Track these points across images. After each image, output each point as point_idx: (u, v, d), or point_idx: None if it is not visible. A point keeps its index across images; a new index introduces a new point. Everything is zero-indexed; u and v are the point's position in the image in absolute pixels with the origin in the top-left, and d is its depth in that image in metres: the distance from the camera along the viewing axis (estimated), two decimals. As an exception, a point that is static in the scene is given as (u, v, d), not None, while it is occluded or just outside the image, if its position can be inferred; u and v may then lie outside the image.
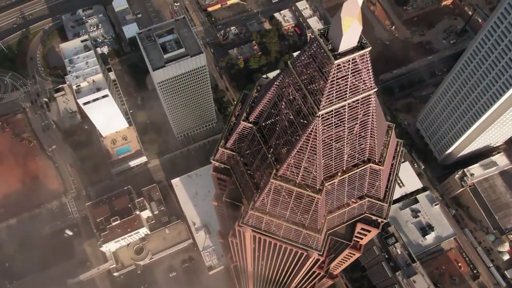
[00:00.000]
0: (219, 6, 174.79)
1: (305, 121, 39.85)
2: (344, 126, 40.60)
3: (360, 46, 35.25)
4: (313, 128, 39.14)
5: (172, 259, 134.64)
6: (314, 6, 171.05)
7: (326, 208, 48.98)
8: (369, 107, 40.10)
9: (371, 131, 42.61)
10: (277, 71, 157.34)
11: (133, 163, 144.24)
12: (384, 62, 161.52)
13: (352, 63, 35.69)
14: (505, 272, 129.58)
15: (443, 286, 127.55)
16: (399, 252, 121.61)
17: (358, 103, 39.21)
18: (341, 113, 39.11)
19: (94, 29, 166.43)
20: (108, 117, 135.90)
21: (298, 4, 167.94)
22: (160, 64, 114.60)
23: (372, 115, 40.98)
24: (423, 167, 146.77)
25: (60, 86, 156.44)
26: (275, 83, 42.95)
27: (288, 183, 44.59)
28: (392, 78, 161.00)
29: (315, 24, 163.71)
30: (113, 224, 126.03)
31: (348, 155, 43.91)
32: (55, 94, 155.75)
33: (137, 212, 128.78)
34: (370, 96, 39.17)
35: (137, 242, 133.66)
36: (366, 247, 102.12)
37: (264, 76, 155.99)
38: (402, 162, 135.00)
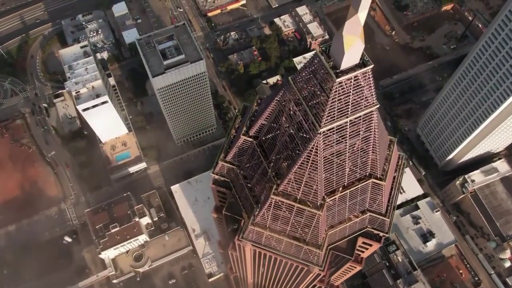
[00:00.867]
0: (219, 11, 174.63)
1: (306, 137, 39.33)
2: (346, 142, 40.12)
3: (362, 63, 34.78)
4: (314, 144, 38.64)
5: (172, 266, 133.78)
6: (314, 11, 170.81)
7: (327, 223, 48.39)
8: (371, 123, 39.60)
9: (372, 147, 42.08)
10: (277, 77, 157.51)
11: (132, 169, 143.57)
12: (384, 68, 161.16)
13: (354, 80, 35.23)
14: (507, 279, 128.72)
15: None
16: (400, 260, 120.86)
17: (360, 119, 38.72)
18: (343, 129, 38.62)
19: (94, 34, 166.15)
20: (107, 123, 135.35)
21: (298, 9, 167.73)
22: (159, 70, 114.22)
23: (374, 131, 40.47)
24: (423, 173, 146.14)
25: (60, 91, 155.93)
26: (276, 98, 42.45)
27: (289, 199, 44.03)
28: (392, 84, 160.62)
29: (315, 29, 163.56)
30: (112, 231, 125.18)
31: (350, 171, 43.38)
32: (54, 100, 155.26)
33: (137, 219, 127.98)
34: (372, 113, 38.69)
35: (136, 249, 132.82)
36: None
37: (264, 81, 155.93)
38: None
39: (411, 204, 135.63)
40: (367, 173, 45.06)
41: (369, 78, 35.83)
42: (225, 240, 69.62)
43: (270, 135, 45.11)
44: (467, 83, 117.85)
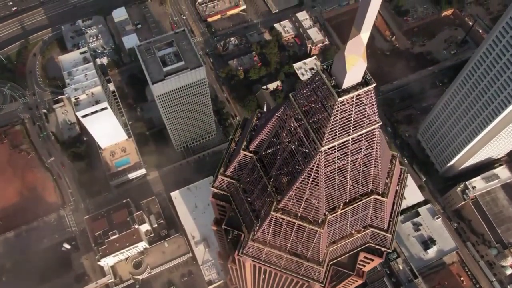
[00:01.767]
0: (219, 16, 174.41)
1: (307, 155, 38.81)
2: (347, 160, 39.59)
3: (364, 82, 34.28)
4: (315, 162, 38.10)
5: (171, 273, 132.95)
6: (314, 16, 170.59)
7: (329, 239, 47.79)
8: (373, 140, 39.08)
9: (374, 163, 41.55)
10: (277, 82, 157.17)
11: (132, 175, 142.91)
12: (385, 73, 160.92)
13: (356, 99, 34.73)
14: (508, 286, 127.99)
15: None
16: (401, 268, 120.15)
17: (362, 137, 38.20)
18: (345, 147, 38.10)
19: (94, 39, 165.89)
20: (107, 130, 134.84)
21: (298, 14, 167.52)
22: (159, 77, 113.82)
23: (376, 148, 39.96)
24: (424, 179, 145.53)
25: (59, 97, 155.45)
26: (276, 114, 41.94)
27: (289, 216, 43.45)
28: (392, 89, 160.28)
29: (316, 34, 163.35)
30: (112, 238, 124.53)
31: (351, 187, 42.83)
32: (54, 105, 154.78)
33: (136, 226, 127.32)
34: (375, 130, 38.17)
35: (135, 256, 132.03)
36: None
37: (264, 87, 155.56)
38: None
39: (412, 211, 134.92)
40: (369, 189, 44.49)
41: (371, 96, 35.33)
42: (225, 251, 68.94)
43: (271, 150, 44.58)
44: (468, 90, 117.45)
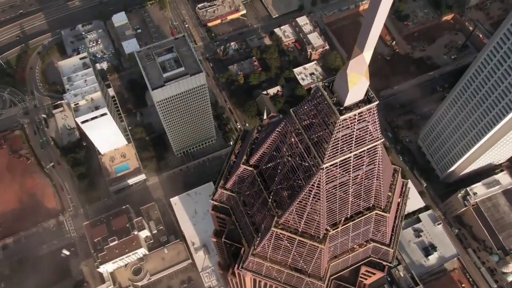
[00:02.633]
0: (219, 21, 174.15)
1: (309, 171, 38.32)
2: (349, 176, 39.09)
3: (367, 100, 33.81)
4: (316, 179, 37.60)
5: (171, 279, 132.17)
6: (314, 21, 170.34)
7: (330, 254, 47.23)
8: (375, 156, 38.61)
9: (377, 179, 41.07)
10: (277, 87, 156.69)
11: (131, 181, 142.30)
12: (385, 78, 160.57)
13: (358, 116, 34.25)
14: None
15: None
16: (402, 275, 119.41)
17: (364, 153, 37.72)
18: (346, 163, 37.61)
19: (94, 44, 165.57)
20: (106, 135, 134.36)
21: (298, 19, 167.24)
22: (159, 83, 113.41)
23: (378, 163, 39.47)
24: (425, 185, 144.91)
25: (59, 102, 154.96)
26: (277, 129, 41.45)
27: (290, 232, 42.92)
28: (393, 94, 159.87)
29: (316, 39, 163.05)
30: (111, 244, 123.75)
31: (353, 203, 42.30)
32: (53, 110, 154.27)
33: (135, 232, 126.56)
34: (377, 146, 37.69)
35: (135, 262, 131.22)
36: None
37: (264, 92, 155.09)
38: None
39: (413, 217, 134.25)
40: (371, 205, 43.98)
41: (374, 113, 34.86)
42: (225, 262, 68.33)
43: (271, 164, 44.10)
44: (469, 96, 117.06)
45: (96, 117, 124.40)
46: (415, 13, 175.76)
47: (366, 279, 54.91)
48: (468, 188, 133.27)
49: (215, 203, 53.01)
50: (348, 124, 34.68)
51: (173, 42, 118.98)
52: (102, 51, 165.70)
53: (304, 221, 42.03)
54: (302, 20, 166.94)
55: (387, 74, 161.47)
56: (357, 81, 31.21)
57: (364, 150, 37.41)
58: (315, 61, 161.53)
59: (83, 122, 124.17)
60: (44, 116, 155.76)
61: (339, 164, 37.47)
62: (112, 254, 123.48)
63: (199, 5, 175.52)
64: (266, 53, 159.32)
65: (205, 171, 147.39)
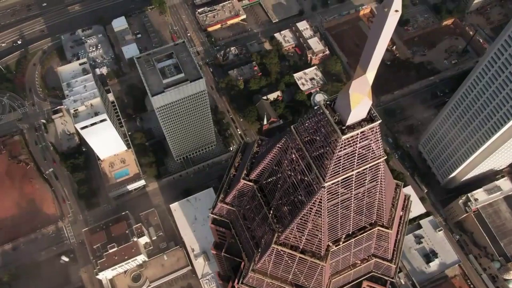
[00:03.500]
0: (219, 26, 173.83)
1: (309, 189, 37.79)
2: (351, 193, 38.57)
3: (369, 118, 33.31)
4: (318, 197, 37.07)
5: (171, 286, 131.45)
6: (314, 26, 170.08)
7: (331, 270, 46.63)
8: (378, 174, 38.10)
9: (379, 195, 40.53)
10: (278, 93, 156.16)
11: (131, 186, 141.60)
12: (385, 83, 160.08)
13: (361, 135, 33.75)
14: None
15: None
16: (403, 282, 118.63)
17: (366, 170, 37.21)
18: (348, 181, 37.09)
19: (93, 49, 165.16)
20: (106, 141, 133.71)
21: (298, 24, 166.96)
22: (159, 89, 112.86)
23: (381, 180, 38.94)
24: (426, 191, 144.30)
25: (58, 107, 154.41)
26: (278, 145, 40.94)
27: (291, 249, 42.36)
28: (393, 99, 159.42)
29: (316, 44, 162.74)
30: (110, 251, 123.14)
31: (355, 219, 41.77)
32: (53, 116, 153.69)
33: (135, 239, 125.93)
34: (379, 164, 37.19)
35: (134, 269, 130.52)
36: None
37: (265, 97, 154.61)
38: (405, 186, 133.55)
39: (414, 223, 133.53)
40: (373, 221, 43.43)
41: (376, 132, 34.36)
42: (224, 272, 67.67)
43: (272, 180, 43.59)
44: (470, 102, 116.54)
45: (95, 123, 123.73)
46: (415, 18, 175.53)
47: (367, 293, 54.34)
48: (469, 194, 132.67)
49: (215, 216, 52.41)
50: (350, 143, 34.18)
51: (173, 48, 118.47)
52: (102, 56, 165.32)
53: (305, 238, 41.49)
54: (302, 25, 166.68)
55: (388, 79, 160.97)
56: (360, 101, 30.74)
57: (367, 168, 36.90)
58: (315, 66, 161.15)
59: (82, 128, 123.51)
60: (44, 121, 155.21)
61: (341, 182, 36.94)
62: (112, 261, 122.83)
63: (199, 10, 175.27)
64: (266, 58, 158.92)
65: (205, 176, 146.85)
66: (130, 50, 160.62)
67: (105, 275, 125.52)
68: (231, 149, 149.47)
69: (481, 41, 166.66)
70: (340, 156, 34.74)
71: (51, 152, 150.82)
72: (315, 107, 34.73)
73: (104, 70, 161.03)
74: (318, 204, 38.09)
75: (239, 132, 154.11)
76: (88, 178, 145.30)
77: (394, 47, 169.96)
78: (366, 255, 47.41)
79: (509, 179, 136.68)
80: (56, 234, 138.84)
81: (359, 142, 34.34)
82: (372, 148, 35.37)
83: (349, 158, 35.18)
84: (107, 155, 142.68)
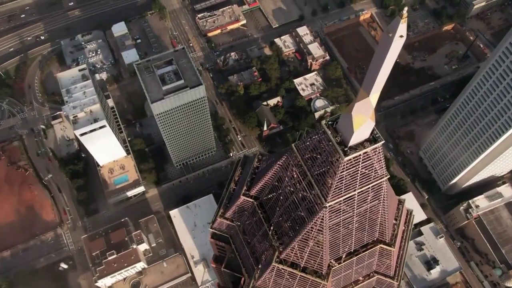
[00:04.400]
0: (219, 31, 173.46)
1: (311, 207, 37.19)
2: (353, 212, 37.98)
3: (372, 139, 32.77)
4: (319, 217, 36.48)
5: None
6: (314, 31, 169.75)
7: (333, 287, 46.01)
8: (380, 192, 37.52)
9: (381, 213, 39.93)
10: (278, 98, 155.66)
11: (130, 193, 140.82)
12: (386, 88, 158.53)
13: (363, 156, 33.20)
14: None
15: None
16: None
17: (369, 190, 36.63)
18: (350, 200, 36.51)
19: (93, 54, 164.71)
20: (105, 147, 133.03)
21: (298, 29, 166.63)
22: (158, 96, 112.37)
23: (383, 199, 38.37)
24: (426, 197, 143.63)
25: (58, 113, 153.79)
26: (278, 162, 40.37)
27: (292, 267, 41.72)
28: (393, 105, 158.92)
29: (316, 50, 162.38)
30: (109, 258, 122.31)
31: (357, 238, 41.17)
32: (52, 121, 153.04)
33: (134, 246, 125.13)
34: (382, 183, 36.61)
35: (133, 276, 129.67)
36: None
37: (265, 103, 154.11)
38: (405, 193, 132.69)
39: (415, 230, 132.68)
40: (375, 238, 42.81)
41: (379, 152, 33.82)
42: (224, 284, 66.99)
43: (272, 197, 42.97)
44: (471, 109, 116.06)
45: (95, 130, 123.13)
46: (415, 23, 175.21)
47: (369, 308, 53.63)
48: (470, 201, 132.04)
49: (215, 231, 51.77)
50: (352, 164, 33.60)
51: (173, 54, 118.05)
52: (102, 61, 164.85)
53: (307, 257, 40.86)
54: (302, 30, 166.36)
55: (388, 85, 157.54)
56: (363, 123, 30.22)
57: (369, 188, 36.32)
58: (315, 72, 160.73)
59: (82, 134, 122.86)
60: (43, 127, 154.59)
61: (343, 202, 36.35)
62: (111, 268, 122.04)
63: (199, 15, 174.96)
64: (266, 64, 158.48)
65: (205, 182, 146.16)
66: (130, 55, 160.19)
67: (104, 283, 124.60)
68: (231, 155, 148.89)
69: (482, 46, 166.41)
70: (343, 176, 34.17)
71: (51, 159, 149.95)
72: (317, 129, 34.02)
73: (103, 75, 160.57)
74: (320, 223, 37.50)
75: (239, 138, 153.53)
76: (87, 185, 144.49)
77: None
78: (368, 272, 46.75)
79: (511, 185, 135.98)
80: (55, 241, 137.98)
81: (362, 163, 33.80)
82: (375, 167, 34.85)
83: (351, 178, 34.62)
84: (107, 161, 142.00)
